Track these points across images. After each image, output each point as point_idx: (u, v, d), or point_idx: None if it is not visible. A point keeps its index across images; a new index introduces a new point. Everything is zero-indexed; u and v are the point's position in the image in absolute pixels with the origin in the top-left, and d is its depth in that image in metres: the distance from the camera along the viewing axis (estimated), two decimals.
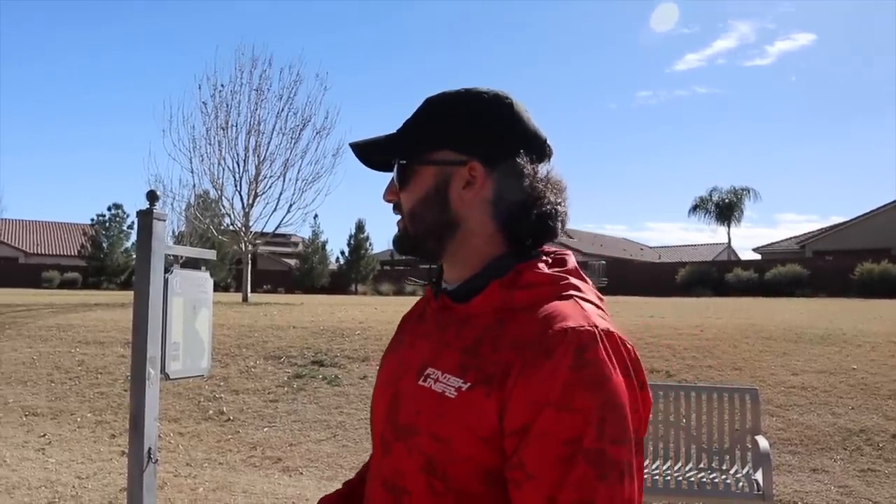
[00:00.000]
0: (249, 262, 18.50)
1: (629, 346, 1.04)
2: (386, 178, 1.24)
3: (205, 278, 3.42)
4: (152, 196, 3.08)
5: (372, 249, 41.33)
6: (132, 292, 3.09)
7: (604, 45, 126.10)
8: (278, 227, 19.18)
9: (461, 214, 1.14)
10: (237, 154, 17.78)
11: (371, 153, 1.23)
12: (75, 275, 39.97)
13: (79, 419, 7.88)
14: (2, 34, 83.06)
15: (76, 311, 14.31)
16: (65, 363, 9.76)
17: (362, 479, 1.36)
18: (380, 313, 13.43)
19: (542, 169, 1.17)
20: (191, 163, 17.96)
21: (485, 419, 1.00)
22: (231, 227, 18.00)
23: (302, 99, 26.57)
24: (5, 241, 44.57)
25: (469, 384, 1.03)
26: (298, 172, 17.90)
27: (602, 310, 1.10)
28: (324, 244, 41.64)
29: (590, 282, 1.17)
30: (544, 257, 1.17)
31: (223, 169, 17.73)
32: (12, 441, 7.19)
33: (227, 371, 9.10)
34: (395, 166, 1.19)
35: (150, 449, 3.06)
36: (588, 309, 1.06)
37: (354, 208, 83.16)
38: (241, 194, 17.63)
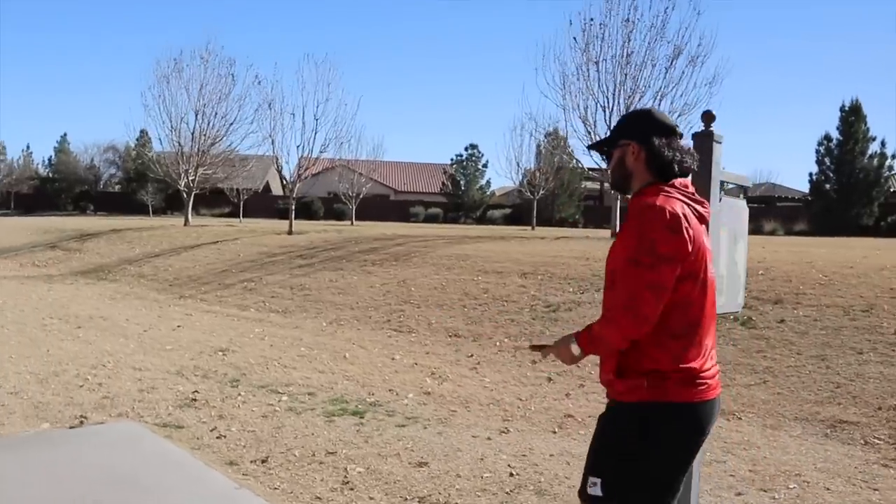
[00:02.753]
0: (618, 198, 18.33)
1: (669, 212, 2.15)
2: None
3: (742, 207, 3.16)
4: (708, 117, 2.86)
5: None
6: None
7: None
8: None
9: (632, 169, 2.37)
10: (607, 88, 17.53)
11: (595, 147, 2.67)
12: (437, 210, 43.72)
13: (497, 343, 8.39)
14: None
15: (465, 242, 15.45)
16: (472, 290, 10.52)
17: None
18: (782, 253, 12.40)
19: (672, 142, 2.32)
20: (563, 99, 18.09)
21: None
22: (604, 164, 17.91)
23: (674, 26, 25.36)
24: (380, 180, 50.33)
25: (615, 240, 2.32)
26: (671, 104, 17.11)
27: (682, 199, 2.25)
28: None
29: (689, 190, 2.33)
30: (666, 184, 2.29)
31: (595, 103, 17.61)
32: (446, 358, 7.89)
33: None
34: (605, 153, 2.54)
35: None
36: (662, 196, 2.22)
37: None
38: (610, 129, 17.43)
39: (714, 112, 2.86)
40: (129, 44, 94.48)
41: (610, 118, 17.43)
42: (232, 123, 26.99)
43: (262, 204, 43.14)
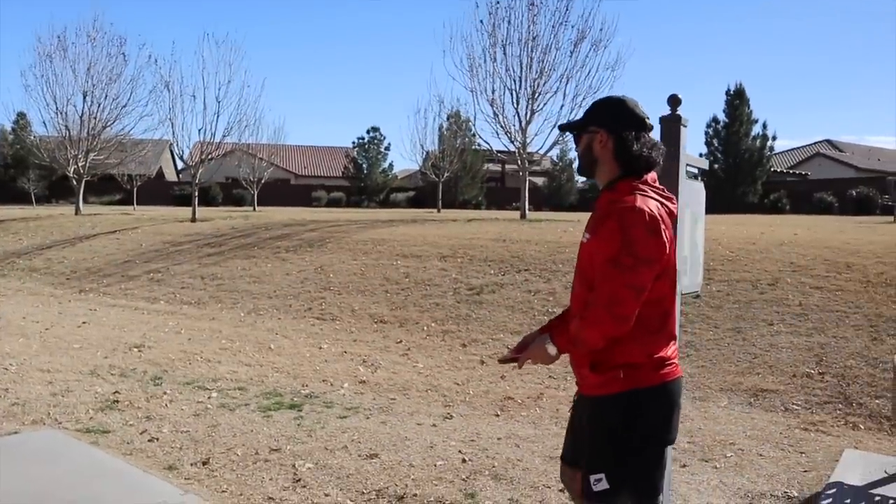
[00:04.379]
0: (527, 180, 18.55)
1: (648, 214, 2.19)
2: None
3: (700, 189, 3.21)
4: (675, 101, 2.88)
5: None
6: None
7: None
8: (553, 145, 19.00)
9: (599, 157, 2.39)
10: (514, 71, 17.66)
11: (566, 129, 2.58)
12: (340, 194, 43.15)
13: (424, 328, 8.35)
14: None
15: (378, 227, 15.29)
16: (392, 275, 10.43)
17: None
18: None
19: (641, 136, 2.34)
20: (471, 81, 18.09)
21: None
22: (512, 146, 18.04)
23: (577, 11, 25.73)
24: (281, 165, 49.19)
25: (588, 237, 2.33)
26: (576, 87, 17.43)
27: (655, 197, 2.29)
28: (571, 162, 41.16)
29: (658, 186, 2.36)
30: (635, 178, 2.31)
31: (502, 86, 17.71)
32: (375, 346, 7.79)
33: (552, 286, 9.17)
34: (574, 135, 2.49)
35: None
36: (639, 196, 2.24)
37: None
38: (518, 112, 17.57)
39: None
40: (6, 20, 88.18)
41: (517, 101, 17.64)
42: (124, 106, 25.31)
43: (157, 190, 41.30)
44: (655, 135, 2.45)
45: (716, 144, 35.32)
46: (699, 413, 5.56)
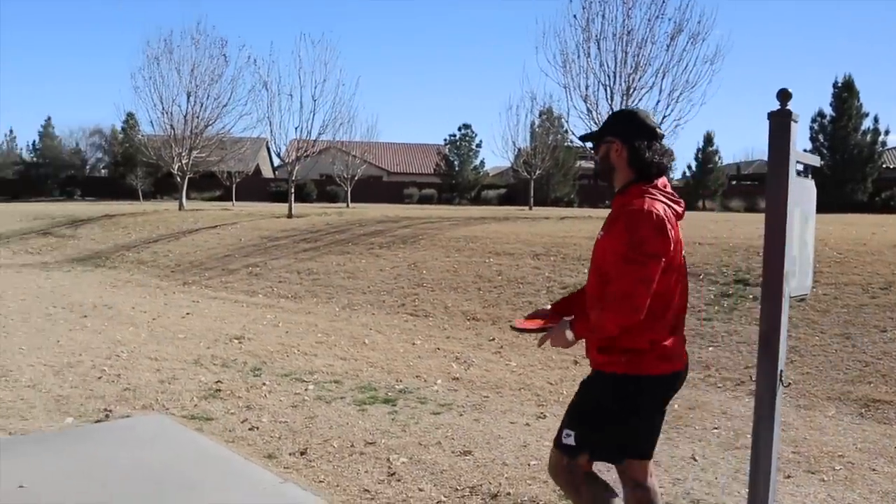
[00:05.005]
0: None
1: (656, 215, 2.50)
2: None
3: (811, 187, 3.06)
4: (785, 95, 2.75)
5: (721, 163, 38.80)
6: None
7: None
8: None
9: (615, 165, 2.68)
10: (608, 66, 17.35)
11: (586, 139, 2.94)
12: (431, 191, 43.57)
13: None
14: None
15: (470, 224, 15.34)
16: (485, 272, 10.44)
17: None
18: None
19: (653, 144, 2.63)
20: (564, 77, 17.89)
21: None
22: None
23: (674, 3, 25.07)
24: (373, 162, 50.10)
25: (602, 234, 2.63)
26: (672, 82, 16.96)
27: (662, 200, 2.60)
28: None
29: (668, 190, 2.68)
30: (646, 183, 2.62)
31: (596, 81, 17.43)
32: (468, 343, 7.81)
33: None
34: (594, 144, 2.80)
35: (781, 371, 2.85)
36: (647, 199, 2.55)
37: (701, 121, 79.21)
38: (612, 108, 17.22)
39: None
40: (115, 26, 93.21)
41: (611, 97, 17.30)
42: (225, 105, 26.49)
43: (254, 187, 42.81)
44: (762, 132, 2.45)
45: (821, 140, 33.76)
46: (804, 422, 5.32)
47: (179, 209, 24.71)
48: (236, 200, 35.63)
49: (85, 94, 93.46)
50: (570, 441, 2.64)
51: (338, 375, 6.35)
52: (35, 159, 55.24)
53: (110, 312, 9.43)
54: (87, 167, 56.57)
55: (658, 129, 2.69)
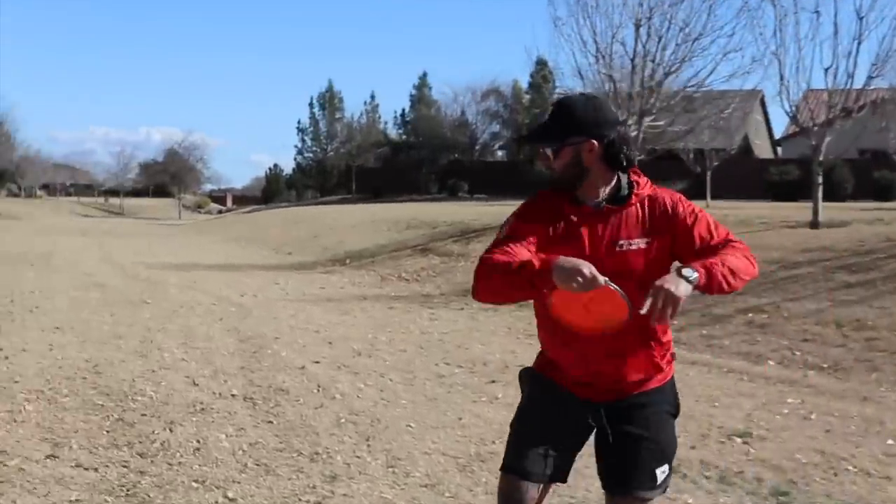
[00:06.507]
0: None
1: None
2: None
3: None
4: None
5: None
6: None
7: None
8: None
9: (590, 166, 2.28)
10: None
11: (538, 143, 2.45)
12: None
13: None
14: None
15: None
16: None
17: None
18: None
19: (623, 133, 2.33)
20: None
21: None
22: None
23: None
24: None
25: (648, 239, 2.28)
26: None
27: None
28: None
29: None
30: (630, 172, 2.34)
31: None
32: None
33: None
34: (550, 148, 2.31)
35: None
36: (661, 187, 2.39)
37: None
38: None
39: None
40: None
41: None
42: (697, 38, 15.84)
43: (737, 174, 28.19)
44: None
45: None
46: None
47: None
48: (711, 198, 22.91)
49: (469, 40, 71.10)
50: (665, 472, 2.32)
51: None
52: (404, 137, 41.34)
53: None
54: (477, 148, 40.03)
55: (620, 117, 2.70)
